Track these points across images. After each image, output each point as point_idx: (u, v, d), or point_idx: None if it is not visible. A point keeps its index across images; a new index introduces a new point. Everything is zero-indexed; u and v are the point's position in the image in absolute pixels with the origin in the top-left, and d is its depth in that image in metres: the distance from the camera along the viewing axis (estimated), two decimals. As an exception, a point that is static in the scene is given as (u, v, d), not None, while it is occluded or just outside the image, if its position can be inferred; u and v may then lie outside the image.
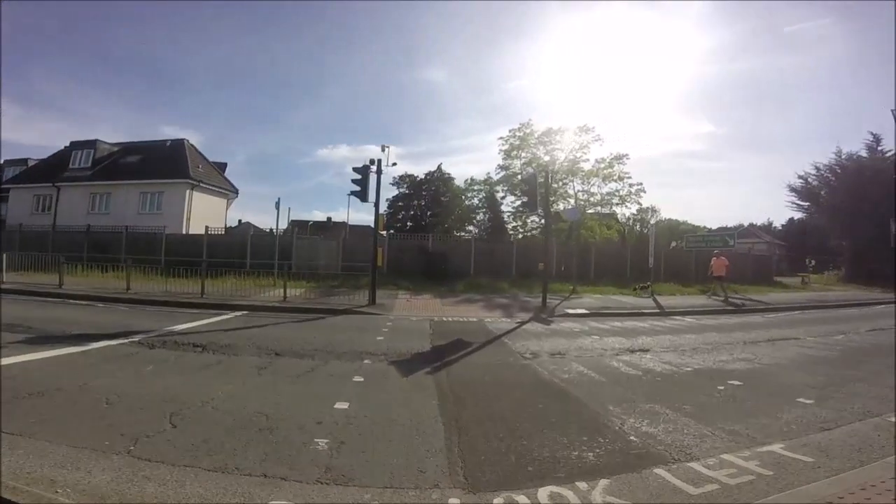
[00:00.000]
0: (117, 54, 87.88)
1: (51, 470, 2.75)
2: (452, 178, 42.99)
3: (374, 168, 12.62)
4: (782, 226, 68.41)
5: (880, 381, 5.79)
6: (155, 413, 3.85)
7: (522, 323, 10.30)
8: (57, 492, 2.47)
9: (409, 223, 42.70)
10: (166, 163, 26.77)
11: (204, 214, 25.14)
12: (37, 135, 68.98)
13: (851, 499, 2.66)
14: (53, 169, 28.36)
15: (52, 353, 5.85)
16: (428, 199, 44.15)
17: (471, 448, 3.42)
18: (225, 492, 2.65)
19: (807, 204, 36.13)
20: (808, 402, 4.90)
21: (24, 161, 32.30)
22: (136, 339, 7.01)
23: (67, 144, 29.60)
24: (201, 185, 26.59)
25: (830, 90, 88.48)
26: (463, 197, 38.01)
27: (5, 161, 33.44)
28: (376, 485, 2.81)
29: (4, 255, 13.90)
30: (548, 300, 13.31)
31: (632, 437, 3.73)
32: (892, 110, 24.91)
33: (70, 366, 5.41)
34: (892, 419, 4.30)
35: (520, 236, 28.31)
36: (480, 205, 36.62)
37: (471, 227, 37.90)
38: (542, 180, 14.15)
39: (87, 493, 2.53)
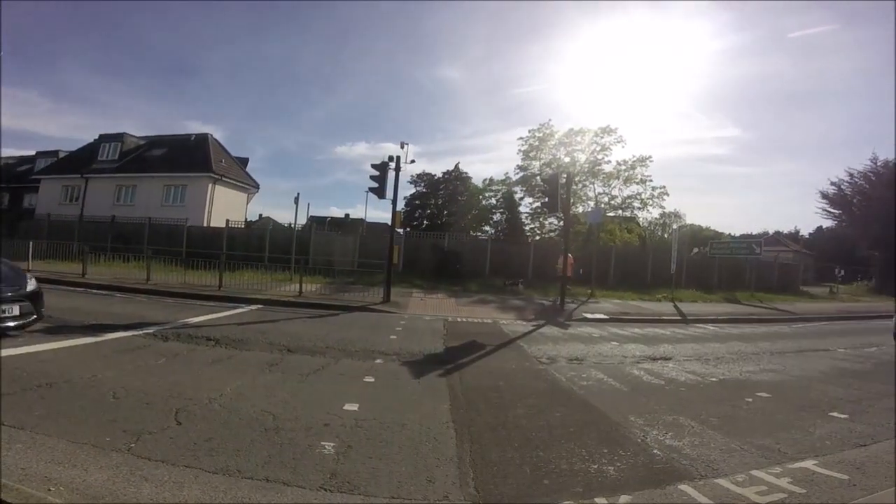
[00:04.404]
0: (145, 50, 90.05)
1: (47, 466, 2.65)
2: (470, 178, 42.71)
3: (392, 165, 12.54)
4: (810, 234, 66.34)
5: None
6: (160, 409, 3.77)
7: (539, 326, 10.08)
8: (49, 490, 2.37)
9: (425, 222, 42.56)
10: (190, 157, 27.21)
11: (225, 208, 25.52)
12: (67, 128, 71.11)
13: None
14: (82, 161, 29.04)
15: (66, 344, 5.83)
16: (445, 198, 43.91)
17: (483, 457, 3.24)
18: (224, 495, 2.53)
19: (838, 212, 34.94)
20: (841, 416, 4.68)
21: (55, 153, 33.17)
22: (150, 330, 6.99)
23: (96, 137, 30.33)
24: (223, 179, 26.95)
25: (867, 96, 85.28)
26: (480, 197, 37.81)
27: (37, 153, 34.46)
28: (382, 494, 2.66)
29: (31, 244, 14.21)
30: (565, 304, 13.04)
31: (655, 451, 3.53)
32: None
33: (81, 356, 5.38)
34: None
35: (537, 238, 27.96)
36: (498, 205, 36.38)
37: (487, 228, 37.65)
38: (563, 181, 13.87)
39: (80, 492, 2.43)
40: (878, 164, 31.82)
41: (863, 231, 33.24)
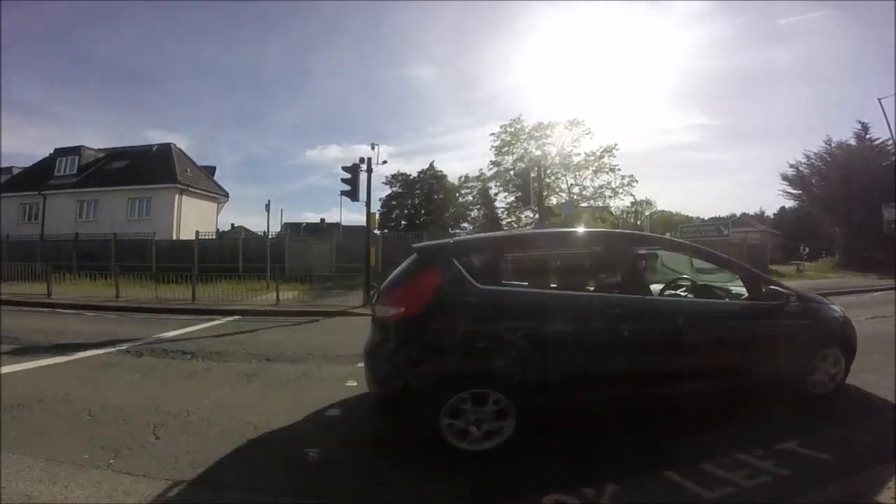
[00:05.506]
0: (98, 57, 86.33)
1: (27, 485, 2.63)
2: (445, 176, 42.85)
3: (363, 167, 12.46)
4: (774, 214, 68.88)
5: (889, 371, 5.24)
6: (137, 424, 3.69)
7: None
8: None
9: (403, 222, 42.49)
10: (153, 168, 26.42)
11: (194, 219, 24.89)
12: (19, 142, 67.63)
13: (878, 497, 2.49)
14: (39, 177, 27.89)
15: (36, 364, 5.68)
16: (421, 197, 43.93)
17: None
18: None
19: (799, 192, 36.29)
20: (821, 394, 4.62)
21: (9, 170, 31.73)
22: (123, 347, 6.78)
23: (52, 152, 29.15)
24: (190, 189, 26.27)
25: (821, 81, 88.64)
26: (457, 194, 38.00)
27: (-12, 171, 32.90)
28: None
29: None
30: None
31: (639, 438, 3.50)
32: (879, 99, 24.93)
33: (53, 376, 5.22)
34: None
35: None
36: (474, 201, 36.63)
37: (466, 224, 37.89)
38: (534, 175, 14.02)
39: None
40: (833, 145, 33.22)
41: (824, 210, 34.61)
